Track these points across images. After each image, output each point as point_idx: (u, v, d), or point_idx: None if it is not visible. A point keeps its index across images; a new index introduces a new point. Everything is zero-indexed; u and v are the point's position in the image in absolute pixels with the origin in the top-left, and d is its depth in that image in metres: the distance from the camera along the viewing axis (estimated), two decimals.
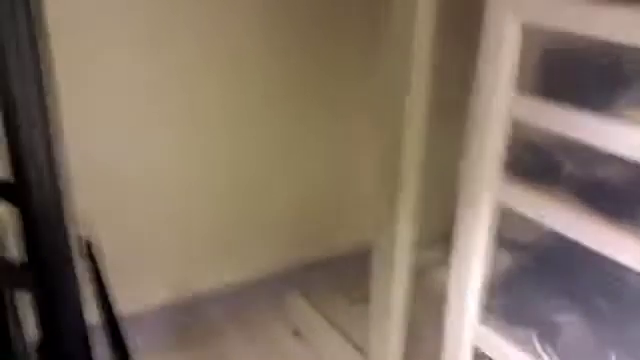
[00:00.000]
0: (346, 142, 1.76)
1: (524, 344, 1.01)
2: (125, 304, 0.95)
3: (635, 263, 0.79)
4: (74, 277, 0.60)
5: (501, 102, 0.92)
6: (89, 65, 1.33)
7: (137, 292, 1.55)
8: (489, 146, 0.95)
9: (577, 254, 0.87)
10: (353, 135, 1.75)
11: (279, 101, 1.61)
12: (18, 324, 0.63)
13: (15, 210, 0.56)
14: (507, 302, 1.08)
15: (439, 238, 1.27)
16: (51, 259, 0.59)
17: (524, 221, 0.94)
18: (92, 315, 0.70)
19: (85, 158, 1.33)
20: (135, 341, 0.77)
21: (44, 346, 0.58)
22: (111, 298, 0.68)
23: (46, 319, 0.59)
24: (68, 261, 0.61)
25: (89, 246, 0.69)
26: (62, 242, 0.60)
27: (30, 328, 0.61)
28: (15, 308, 0.61)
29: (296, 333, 1.67)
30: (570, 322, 0.96)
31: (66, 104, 1.27)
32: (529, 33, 0.89)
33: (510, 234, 1.05)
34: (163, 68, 1.43)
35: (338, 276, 1.72)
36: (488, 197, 0.97)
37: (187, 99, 1.49)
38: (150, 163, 1.50)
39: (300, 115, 1.66)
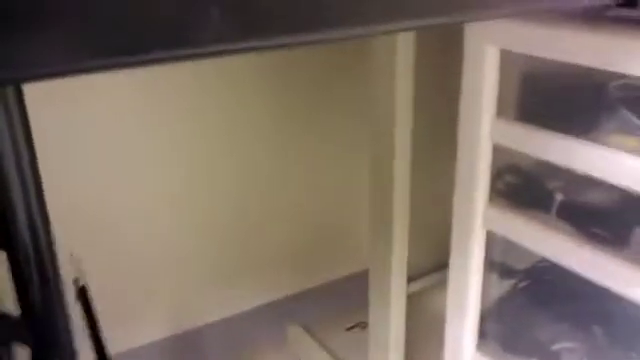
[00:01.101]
0: (341, 175, 1.77)
1: None
2: (122, 341, 0.95)
3: (626, 290, 0.80)
4: (68, 324, 0.61)
5: (484, 129, 0.93)
6: (74, 102, 1.35)
7: (135, 329, 1.55)
8: (476, 173, 0.96)
9: (572, 280, 0.88)
10: (348, 168, 1.76)
11: (276, 138, 1.62)
12: None
13: (4, 256, 0.57)
14: (503, 329, 1.08)
15: (436, 265, 1.28)
16: (43, 306, 0.59)
17: (519, 247, 0.95)
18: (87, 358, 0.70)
19: (76, 198, 1.34)
20: None
21: None
22: (105, 343, 0.69)
23: None
24: (61, 307, 0.61)
25: (83, 290, 0.69)
26: (54, 287, 0.61)
27: None
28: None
29: None
30: (567, 349, 0.96)
31: (54, 143, 1.30)
32: (510, 59, 0.90)
33: (506, 260, 1.06)
34: (156, 101, 1.44)
35: (336, 304, 1.73)
36: (480, 224, 0.98)
37: (181, 134, 1.50)
38: (143, 201, 1.50)
39: (295, 149, 1.67)
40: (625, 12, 0.71)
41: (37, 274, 0.60)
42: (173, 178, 1.53)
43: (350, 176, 1.78)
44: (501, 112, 0.93)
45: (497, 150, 0.96)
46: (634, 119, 0.81)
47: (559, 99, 0.91)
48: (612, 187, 0.81)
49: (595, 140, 0.83)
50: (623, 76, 0.78)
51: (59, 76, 0.25)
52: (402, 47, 1.11)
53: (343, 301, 1.71)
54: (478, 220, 0.99)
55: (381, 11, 0.32)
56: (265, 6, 0.28)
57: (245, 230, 1.69)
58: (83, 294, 0.73)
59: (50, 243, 0.60)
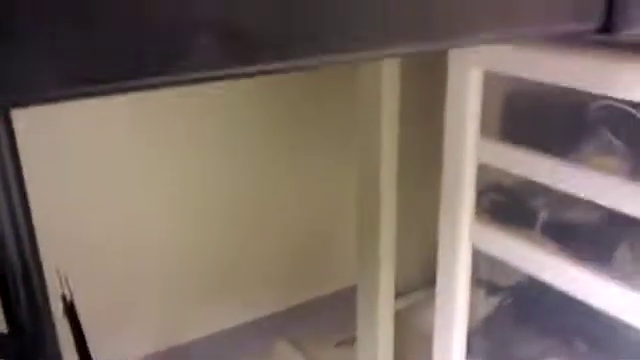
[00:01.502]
0: (328, 191, 1.78)
1: None
2: (109, 357, 0.95)
3: (610, 307, 0.81)
4: (55, 339, 0.61)
5: (469, 147, 0.95)
6: (60, 116, 1.35)
7: (121, 345, 1.55)
8: (461, 191, 0.97)
9: (557, 296, 0.89)
10: (335, 185, 1.77)
11: (265, 153, 1.63)
12: None
13: None
14: (491, 345, 1.09)
15: (424, 282, 1.29)
16: (31, 322, 0.60)
17: (505, 264, 0.97)
18: None
19: (62, 213, 1.34)
20: None
21: None
22: (92, 358, 0.69)
23: None
24: (49, 323, 0.61)
25: (70, 306, 0.70)
26: (42, 303, 0.61)
27: None
28: None
29: None
30: None
31: (40, 159, 1.30)
32: (493, 79, 0.92)
33: (492, 277, 1.07)
34: (143, 114, 1.45)
35: (325, 321, 1.73)
36: (465, 242, 1.00)
37: (168, 149, 1.51)
38: (129, 217, 1.51)
39: (283, 165, 1.68)
40: (603, 37, 0.73)
41: (24, 291, 0.60)
42: (159, 194, 1.54)
43: (337, 192, 1.79)
44: (485, 131, 0.95)
45: (482, 168, 0.97)
46: (614, 140, 0.83)
47: (542, 118, 0.93)
48: (595, 205, 0.82)
49: (577, 160, 0.85)
50: (604, 97, 0.80)
51: (47, 102, 0.26)
52: (388, 67, 1.13)
53: (332, 317, 1.71)
54: (464, 237, 1.00)
55: (368, 38, 0.33)
56: (254, 33, 0.29)
57: (232, 246, 1.69)
58: (70, 310, 0.73)
59: (37, 259, 0.61)
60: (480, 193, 1.00)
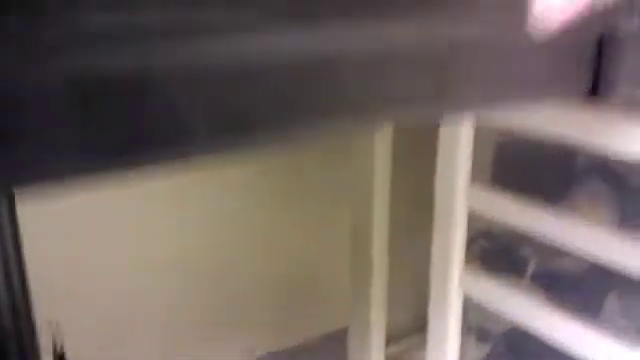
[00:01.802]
0: (321, 233, 1.78)
1: None
2: None
3: (597, 357, 0.82)
4: None
5: (459, 194, 0.96)
6: None
7: None
8: (452, 238, 0.98)
9: (545, 345, 0.90)
10: (328, 226, 1.78)
11: (257, 198, 1.64)
12: None
13: None
14: None
15: (415, 327, 1.29)
16: None
17: (495, 312, 0.97)
18: None
19: (54, 265, 1.34)
20: None
21: None
22: None
23: None
24: None
25: (62, 357, 0.70)
26: (33, 356, 0.61)
27: None
28: None
29: None
30: None
31: (34, 211, 1.29)
32: (484, 129, 0.94)
33: (482, 324, 1.08)
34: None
35: None
36: (456, 289, 1.00)
37: (158, 201, 1.51)
38: (119, 268, 1.50)
39: (276, 208, 1.69)
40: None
41: (16, 343, 0.60)
42: (153, 247, 1.53)
43: (330, 238, 1.79)
44: (476, 178, 0.96)
45: (472, 215, 0.98)
46: (602, 190, 0.84)
47: (531, 167, 0.94)
48: (584, 255, 0.83)
49: (566, 208, 0.86)
50: (592, 148, 0.81)
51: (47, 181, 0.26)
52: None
53: (324, 358, 1.70)
54: (454, 284, 1.01)
55: (358, 108, 0.34)
56: (247, 112, 0.30)
57: (222, 289, 1.68)
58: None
59: (29, 311, 0.61)
60: (471, 240, 1.00)
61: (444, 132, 0.96)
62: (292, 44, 0.28)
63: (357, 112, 0.32)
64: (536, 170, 0.92)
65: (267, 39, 0.27)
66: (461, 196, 0.96)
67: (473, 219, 0.99)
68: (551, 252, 0.94)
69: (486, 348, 1.09)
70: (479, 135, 0.95)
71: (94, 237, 1.44)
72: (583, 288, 0.89)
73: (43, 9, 0.23)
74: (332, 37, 0.29)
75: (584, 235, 0.82)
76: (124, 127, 0.25)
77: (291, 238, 1.73)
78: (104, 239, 1.45)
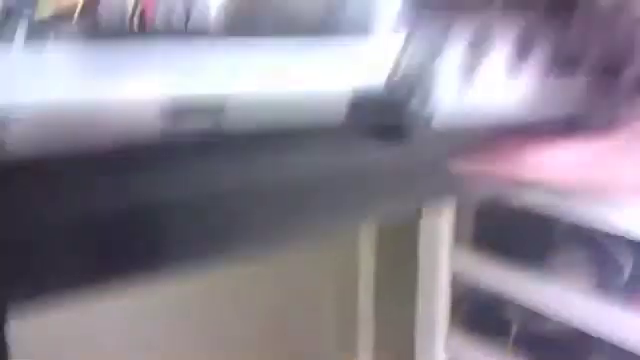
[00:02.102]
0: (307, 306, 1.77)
1: None
2: None
3: None
4: None
5: (443, 259, 0.98)
6: None
7: None
8: (436, 302, 1.00)
9: None
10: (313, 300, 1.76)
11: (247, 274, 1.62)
12: None
13: None
14: None
15: None
16: None
17: None
18: None
19: None
20: None
21: None
22: None
23: None
24: None
25: None
26: None
27: None
28: None
29: None
30: None
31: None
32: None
33: None
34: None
35: None
36: (441, 353, 1.01)
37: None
38: None
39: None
40: None
41: None
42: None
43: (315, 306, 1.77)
44: (459, 240, 0.98)
45: (457, 276, 1.00)
46: (582, 257, 0.86)
47: (512, 230, 0.96)
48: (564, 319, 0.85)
49: (547, 274, 0.88)
50: (571, 215, 0.83)
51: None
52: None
53: None
54: (439, 348, 1.02)
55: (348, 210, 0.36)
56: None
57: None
58: None
59: None
60: (456, 301, 1.01)
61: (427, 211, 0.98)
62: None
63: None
64: (517, 233, 0.94)
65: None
66: (445, 259, 0.98)
67: (458, 280, 1.00)
68: (534, 314, 0.95)
69: None
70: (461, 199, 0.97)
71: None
72: (566, 351, 0.90)
73: None
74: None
75: (562, 300, 0.84)
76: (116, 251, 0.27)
77: (277, 312, 1.69)
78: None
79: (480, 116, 0.23)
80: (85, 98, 0.15)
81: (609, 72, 0.21)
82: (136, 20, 0.30)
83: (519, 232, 0.95)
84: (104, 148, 0.25)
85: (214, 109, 0.27)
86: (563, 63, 0.20)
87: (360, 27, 0.19)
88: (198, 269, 0.31)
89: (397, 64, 0.18)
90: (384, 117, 0.20)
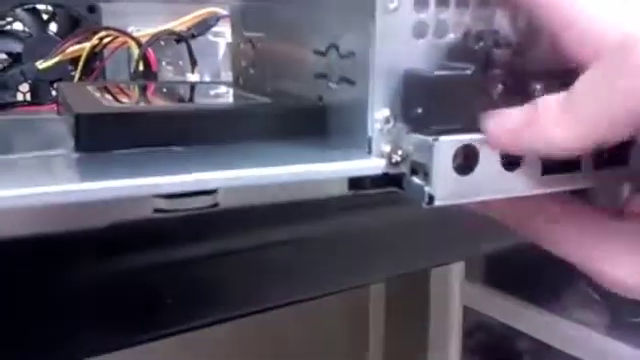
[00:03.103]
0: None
1: None
2: None
3: None
4: None
5: (454, 293, 0.98)
6: None
7: None
8: (448, 335, 1.00)
9: None
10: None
11: None
12: None
13: None
14: None
15: None
16: None
17: None
18: None
19: None
20: None
21: None
22: None
23: None
24: None
25: None
26: None
27: None
28: None
29: None
30: None
31: None
32: None
33: None
34: None
35: None
36: None
37: None
38: None
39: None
40: None
41: None
42: None
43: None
44: (470, 275, 0.98)
45: (468, 309, 1.00)
46: (594, 295, 0.86)
47: (524, 267, 0.96)
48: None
49: (558, 311, 0.88)
50: None
51: None
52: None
53: None
54: None
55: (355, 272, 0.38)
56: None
57: None
58: None
59: None
60: (467, 333, 1.02)
61: None
62: None
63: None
64: (528, 270, 0.94)
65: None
66: (456, 294, 0.98)
67: (469, 312, 1.00)
68: (546, 347, 0.95)
69: None
70: None
71: None
72: None
73: None
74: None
75: (574, 338, 0.84)
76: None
77: None
78: None
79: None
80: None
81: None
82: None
83: (530, 269, 0.95)
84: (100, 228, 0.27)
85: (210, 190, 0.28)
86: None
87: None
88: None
89: (395, 149, 0.19)
90: (387, 188, 0.21)
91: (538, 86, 0.18)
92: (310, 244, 0.34)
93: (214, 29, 0.52)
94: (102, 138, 0.20)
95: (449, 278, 0.97)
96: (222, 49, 0.53)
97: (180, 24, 0.49)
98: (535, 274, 0.94)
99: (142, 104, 0.28)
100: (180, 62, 0.51)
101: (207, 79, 0.50)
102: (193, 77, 0.47)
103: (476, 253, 0.48)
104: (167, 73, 0.52)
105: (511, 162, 0.18)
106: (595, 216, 0.20)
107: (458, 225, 0.36)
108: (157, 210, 0.27)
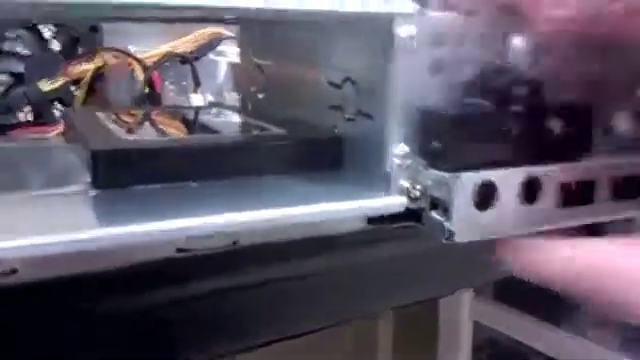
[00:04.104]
0: None
1: None
2: None
3: None
4: None
5: (463, 309, 0.98)
6: None
7: None
8: (457, 352, 1.00)
9: None
10: None
11: None
12: None
13: None
14: None
15: None
16: None
17: None
18: None
19: None
20: None
21: None
22: None
23: None
24: None
25: None
26: None
27: None
28: None
29: None
30: None
31: None
32: None
33: None
34: None
35: None
36: None
37: None
38: None
39: None
40: None
41: None
42: None
43: None
44: (480, 290, 0.98)
45: (478, 324, 1.00)
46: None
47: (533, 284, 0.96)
48: None
49: (570, 328, 0.88)
50: None
51: None
52: None
53: None
54: None
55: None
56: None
57: None
58: None
59: None
60: (477, 348, 1.02)
61: None
62: None
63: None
64: (539, 285, 0.94)
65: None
66: (465, 309, 0.99)
67: (479, 327, 1.01)
68: None
69: None
70: None
71: None
72: None
73: None
74: None
75: (586, 354, 0.84)
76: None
77: None
78: None
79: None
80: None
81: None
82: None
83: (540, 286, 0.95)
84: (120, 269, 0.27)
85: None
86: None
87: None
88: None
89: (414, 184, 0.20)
90: (406, 223, 0.21)
91: (557, 121, 0.19)
92: (326, 276, 0.35)
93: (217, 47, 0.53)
94: (119, 175, 0.20)
95: (459, 293, 0.97)
96: (224, 69, 0.54)
97: (184, 44, 0.50)
98: (546, 289, 0.94)
99: (156, 135, 0.29)
100: (183, 82, 0.51)
101: (209, 99, 0.51)
102: (197, 98, 0.48)
103: (489, 279, 0.48)
104: (169, 93, 0.52)
105: (529, 197, 0.19)
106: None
107: (472, 254, 0.37)
108: (180, 250, 0.28)
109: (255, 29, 0.32)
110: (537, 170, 0.19)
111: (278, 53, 0.29)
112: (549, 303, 0.92)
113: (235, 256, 0.29)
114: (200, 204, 0.19)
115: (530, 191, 0.19)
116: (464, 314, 0.98)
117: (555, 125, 0.19)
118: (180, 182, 0.21)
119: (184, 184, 0.21)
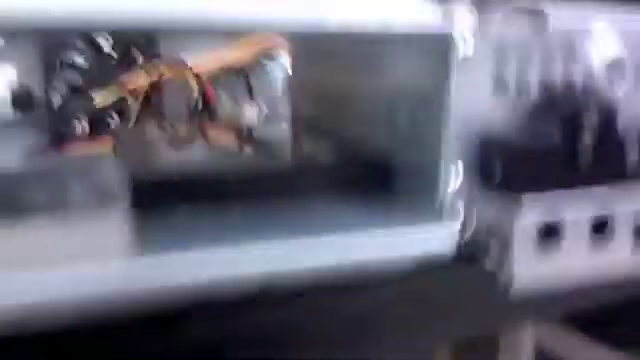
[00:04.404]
0: None
1: None
2: None
3: None
4: None
5: (526, 332, 0.95)
6: None
7: None
8: None
9: None
10: None
11: None
12: None
13: None
14: None
15: None
16: None
17: None
18: None
19: None
20: None
21: None
22: None
23: None
24: None
25: None
26: None
27: None
28: None
29: None
30: None
31: None
32: None
33: None
34: None
35: None
36: None
37: None
38: None
39: None
40: None
41: None
42: None
43: None
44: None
45: (540, 351, 0.96)
46: None
47: (605, 307, 0.92)
48: None
49: None
50: None
51: None
52: None
53: None
54: None
55: None
56: None
57: None
58: None
59: None
60: None
61: None
62: None
63: None
64: (607, 309, 0.90)
65: None
66: (528, 333, 0.95)
67: (541, 353, 0.97)
68: None
69: None
70: None
71: None
72: None
73: None
74: None
75: None
76: None
77: None
78: None
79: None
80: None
81: None
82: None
83: (611, 307, 0.91)
84: None
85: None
86: None
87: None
88: None
89: (466, 227, 0.18)
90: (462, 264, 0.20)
91: (628, 150, 0.17)
92: (378, 310, 0.34)
93: (271, 59, 0.52)
94: (158, 199, 0.20)
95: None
96: (279, 79, 0.54)
97: (239, 54, 0.50)
98: (615, 313, 0.90)
99: (207, 152, 0.29)
100: (237, 93, 0.51)
101: (264, 110, 0.50)
102: (251, 110, 0.48)
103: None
104: (224, 104, 0.52)
105: (599, 232, 0.17)
106: None
107: None
108: None
109: (307, 42, 0.32)
110: (608, 209, 0.17)
111: (330, 68, 0.28)
112: (618, 327, 0.88)
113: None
114: (250, 234, 0.18)
115: (600, 231, 0.17)
116: (526, 339, 0.95)
117: (627, 154, 0.17)
118: (222, 205, 0.20)
119: (226, 206, 0.20)
